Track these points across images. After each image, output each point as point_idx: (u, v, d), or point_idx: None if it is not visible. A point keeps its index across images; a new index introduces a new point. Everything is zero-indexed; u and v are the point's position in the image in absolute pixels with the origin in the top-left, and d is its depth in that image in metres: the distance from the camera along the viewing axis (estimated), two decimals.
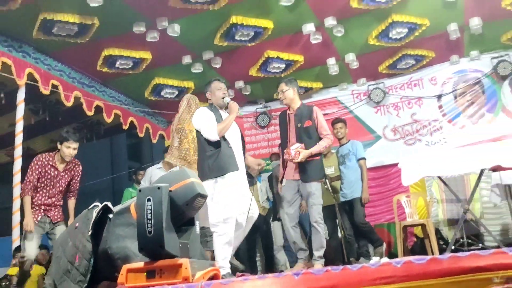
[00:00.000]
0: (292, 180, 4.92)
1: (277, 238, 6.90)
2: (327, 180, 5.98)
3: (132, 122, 7.96)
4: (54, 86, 6.35)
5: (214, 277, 2.97)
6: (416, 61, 7.77)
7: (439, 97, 7.98)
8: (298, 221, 5.66)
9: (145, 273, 2.82)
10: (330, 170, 6.44)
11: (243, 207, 4.29)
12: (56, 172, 4.96)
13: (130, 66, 6.84)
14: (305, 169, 4.80)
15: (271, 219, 7.12)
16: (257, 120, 8.62)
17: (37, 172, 4.85)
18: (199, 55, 6.88)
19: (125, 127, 7.90)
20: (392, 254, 6.55)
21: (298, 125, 4.91)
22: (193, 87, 7.64)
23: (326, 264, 4.77)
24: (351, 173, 6.18)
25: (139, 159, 16.63)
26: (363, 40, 6.95)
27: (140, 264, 2.87)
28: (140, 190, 2.94)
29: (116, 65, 6.75)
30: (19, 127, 5.91)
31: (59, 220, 5.03)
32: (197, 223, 3.15)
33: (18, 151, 5.85)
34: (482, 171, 4.86)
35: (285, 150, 4.76)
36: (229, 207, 4.17)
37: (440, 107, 7.97)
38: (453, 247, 5.12)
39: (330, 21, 6.32)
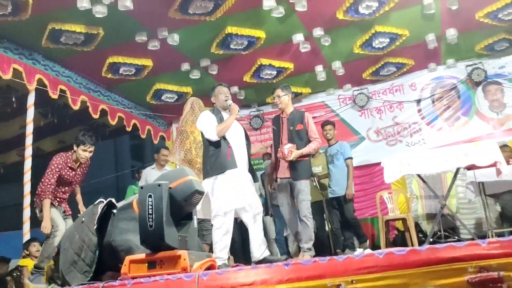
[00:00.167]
0: (284, 177, 4.94)
1: (270, 232, 6.89)
2: (315, 178, 5.99)
3: (134, 124, 7.93)
4: (62, 91, 6.32)
5: (210, 268, 2.97)
6: (397, 69, 7.79)
7: (418, 101, 7.99)
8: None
9: (147, 264, 2.82)
10: (318, 169, 6.44)
11: (243, 202, 4.28)
12: (73, 173, 4.90)
13: (132, 73, 6.82)
14: (295, 168, 4.82)
15: (263, 214, 7.10)
16: (251, 123, 8.60)
17: (56, 175, 4.72)
18: (197, 62, 6.87)
19: (128, 129, 7.88)
20: (375, 246, 6.57)
21: (290, 128, 4.94)
22: (191, 92, 7.62)
23: (314, 255, 4.79)
24: (339, 171, 6.18)
25: (141, 159, 16.60)
26: (349, 49, 6.96)
27: (142, 255, 2.87)
28: (142, 187, 2.94)
29: (120, 72, 6.73)
30: (29, 129, 5.89)
31: (69, 213, 4.99)
32: (194, 217, 3.15)
33: (28, 151, 5.83)
34: (457, 169, 4.87)
35: (278, 149, 4.78)
36: (228, 202, 4.18)
37: (419, 110, 7.99)
38: (431, 240, 5.13)
39: (318, 32, 6.34)
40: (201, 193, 3.03)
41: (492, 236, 4.99)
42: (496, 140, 5.95)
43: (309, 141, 4.94)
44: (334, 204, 6.24)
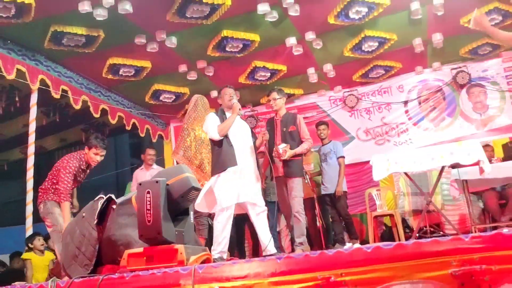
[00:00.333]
0: (278, 176, 4.98)
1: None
2: (307, 176, 6.00)
3: (134, 123, 7.90)
4: (64, 91, 6.28)
5: (206, 261, 2.97)
6: (386, 71, 7.80)
7: (405, 103, 8.01)
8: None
9: (145, 258, 2.82)
10: (309, 167, 6.46)
11: (243, 198, 4.29)
12: (83, 174, 4.76)
13: (132, 74, 6.79)
14: (288, 166, 4.87)
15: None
16: (245, 122, 8.59)
17: (72, 177, 4.50)
18: (193, 64, 6.85)
19: (128, 128, 7.85)
20: (363, 241, 6.58)
21: (283, 129, 5.01)
22: (188, 92, 7.61)
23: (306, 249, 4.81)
24: (332, 169, 6.20)
25: (140, 157, 16.51)
26: (339, 52, 6.97)
27: (140, 249, 2.86)
28: (140, 184, 2.93)
29: (120, 73, 6.71)
30: (32, 127, 5.85)
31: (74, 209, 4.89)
32: (191, 213, 3.15)
33: (31, 149, 5.79)
34: (442, 167, 4.89)
35: (274, 149, 4.80)
36: (227, 198, 4.22)
37: (406, 111, 7.99)
38: (417, 234, 5.16)
39: (310, 35, 6.34)
40: (197, 189, 3.03)
41: (475, 232, 5.01)
42: (479, 140, 5.97)
43: (301, 142, 5.00)
44: (327, 201, 6.25)
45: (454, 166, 5.04)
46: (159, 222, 2.78)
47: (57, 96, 6.20)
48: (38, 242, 6.21)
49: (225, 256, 4.25)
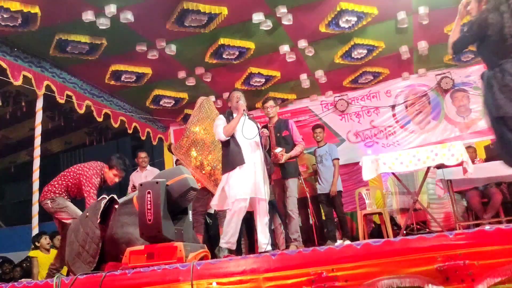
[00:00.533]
0: (276, 179, 5.04)
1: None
2: (300, 176, 5.99)
3: (135, 127, 7.88)
4: (68, 96, 6.27)
5: (204, 258, 2.96)
6: (374, 77, 7.82)
7: (393, 107, 8.04)
8: (276, 210, 5.69)
9: (146, 255, 2.81)
10: (302, 168, 6.45)
11: (248, 194, 4.25)
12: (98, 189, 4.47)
13: (133, 80, 6.78)
14: (284, 168, 4.92)
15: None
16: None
17: (96, 192, 4.26)
18: (192, 70, 6.84)
19: (130, 131, 7.82)
20: (354, 238, 6.58)
21: (277, 135, 5.05)
22: (187, 97, 7.60)
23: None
24: (327, 170, 6.20)
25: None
26: (330, 59, 6.98)
27: (141, 247, 2.85)
28: (141, 185, 2.92)
29: (122, 79, 6.69)
30: (38, 131, 5.83)
31: None
32: (189, 212, 3.14)
33: (37, 152, 5.78)
34: (428, 168, 4.90)
35: (272, 153, 4.81)
36: (238, 192, 4.20)
37: (394, 115, 8.03)
38: (404, 232, 5.17)
39: (302, 43, 6.35)
40: (195, 189, 3.02)
41: (459, 229, 5.03)
42: (462, 142, 5.99)
43: (295, 145, 5.06)
44: (322, 199, 6.25)
45: (439, 166, 5.06)
46: (159, 221, 2.77)
47: (62, 101, 6.18)
48: (45, 240, 6.18)
49: (233, 247, 4.23)
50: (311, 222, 6.36)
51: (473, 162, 5.21)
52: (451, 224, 6.10)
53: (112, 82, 6.76)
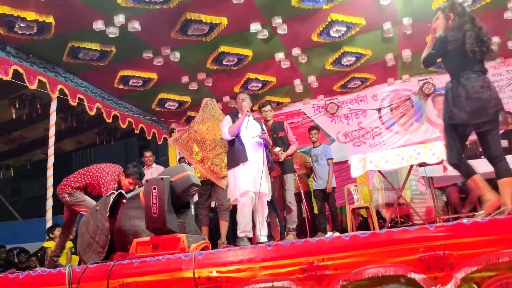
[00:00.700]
0: (276, 176, 5.11)
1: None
2: (295, 174, 6.00)
3: (142, 127, 7.85)
4: (80, 99, 6.25)
5: (205, 248, 2.96)
6: (362, 82, 7.83)
7: (379, 109, 8.05)
8: (272, 204, 5.69)
9: (151, 246, 2.80)
10: (296, 166, 6.45)
11: (250, 188, 4.23)
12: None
13: (140, 84, 6.77)
14: (283, 165, 5.04)
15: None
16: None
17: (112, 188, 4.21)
18: (194, 76, 6.83)
19: (137, 131, 7.81)
20: (343, 230, 6.58)
21: (274, 136, 5.12)
22: (190, 100, 7.59)
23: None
24: (322, 168, 6.21)
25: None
26: (322, 65, 6.98)
27: (147, 238, 2.85)
28: (147, 181, 2.92)
29: (129, 83, 6.68)
30: (52, 131, 5.82)
31: None
32: (192, 206, 3.13)
33: (51, 150, 5.77)
34: (411, 166, 4.92)
35: (271, 152, 4.83)
36: (244, 185, 4.21)
37: (380, 117, 8.04)
38: (389, 224, 5.18)
39: (296, 51, 6.36)
40: (197, 185, 3.02)
41: (439, 222, 5.04)
42: (443, 142, 6.00)
43: (290, 144, 5.18)
44: (318, 195, 6.26)
45: (421, 164, 5.07)
46: (163, 214, 2.77)
47: (74, 104, 6.17)
48: (58, 232, 6.15)
49: (250, 235, 4.20)
50: (303, 215, 6.37)
51: None
52: (432, 218, 6.11)
53: (121, 86, 6.74)
